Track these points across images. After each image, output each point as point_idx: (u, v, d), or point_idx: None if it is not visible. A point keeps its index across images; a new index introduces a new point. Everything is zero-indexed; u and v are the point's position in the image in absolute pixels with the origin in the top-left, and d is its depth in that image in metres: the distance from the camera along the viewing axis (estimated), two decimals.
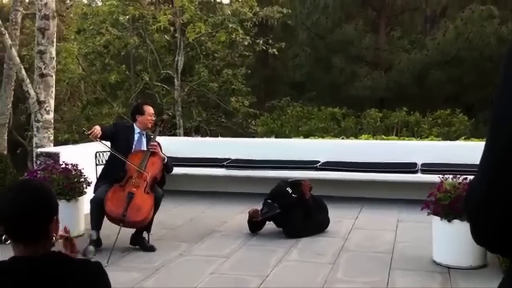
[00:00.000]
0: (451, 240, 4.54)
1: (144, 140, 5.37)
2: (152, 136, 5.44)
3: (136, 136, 5.34)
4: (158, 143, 5.41)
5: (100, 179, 5.26)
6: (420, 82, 16.68)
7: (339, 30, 17.29)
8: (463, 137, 11.65)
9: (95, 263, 1.79)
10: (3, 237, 1.68)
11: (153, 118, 5.40)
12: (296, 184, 5.77)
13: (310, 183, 5.86)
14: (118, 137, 5.24)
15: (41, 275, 1.63)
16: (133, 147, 5.29)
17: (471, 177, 3.81)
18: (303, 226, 5.58)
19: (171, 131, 15.68)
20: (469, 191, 0.93)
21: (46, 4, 8.32)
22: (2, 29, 9.54)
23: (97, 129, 4.95)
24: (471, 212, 0.92)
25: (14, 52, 9.56)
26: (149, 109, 5.42)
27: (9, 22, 12.54)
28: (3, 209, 1.66)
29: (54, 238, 1.72)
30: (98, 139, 4.94)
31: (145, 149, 5.28)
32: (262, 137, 14.14)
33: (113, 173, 5.11)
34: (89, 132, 4.91)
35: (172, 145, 8.19)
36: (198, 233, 5.72)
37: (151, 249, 5.09)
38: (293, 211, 5.58)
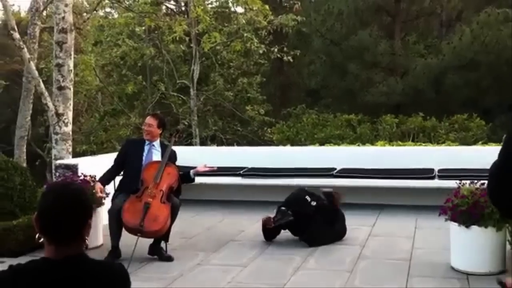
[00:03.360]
0: (469, 246, 4.51)
1: (155, 150, 5.43)
2: (168, 146, 5.50)
3: (146, 148, 5.42)
4: (174, 152, 5.49)
5: (117, 191, 5.34)
6: (437, 87, 16.58)
7: (354, 36, 17.29)
8: (480, 142, 11.55)
9: (118, 265, 1.85)
10: (37, 236, 1.74)
11: (146, 128, 5.44)
12: (326, 194, 5.74)
13: (340, 193, 5.84)
14: (129, 155, 5.41)
15: (64, 277, 1.68)
16: (143, 159, 5.37)
17: None
18: (323, 234, 5.56)
19: (187, 140, 15.80)
20: (490, 169, 1.21)
21: (63, 18, 8.46)
22: (21, 43, 9.70)
23: (98, 187, 5.23)
24: (489, 187, 1.20)
25: (32, 65, 9.72)
26: (147, 119, 5.58)
27: (27, 36, 12.75)
28: (44, 208, 1.73)
29: (86, 240, 1.78)
30: (105, 193, 5.29)
31: (158, 159, 5.34)
32: (278, 145, 14.15)
33: (130, 185, 5.18)
34: (99, 195, 5.20)
35: (188, 154, 8.25)
36: (215, 242, 5.75)
37: (169, 259, 5.13)
38: (312, 219, 5.56)
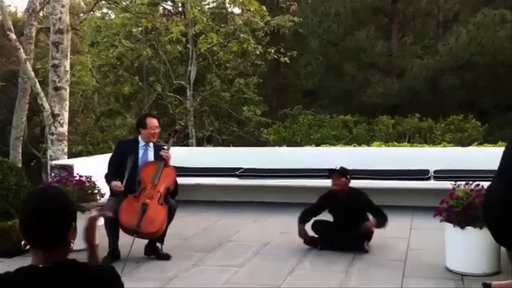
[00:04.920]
0: (464, 247, 4.52)
1: (149, 152, 5.37)
2: (165, 148, 5.47)
3: (141, 151, 5.35)
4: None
5: (112, 194, 5.27)
6: (433, 87, 16.62)
7: (351, 37, 17.32)
8: (476, 143, 11.57)
9: (108, 268, 1.84)
10: (23, 243, 1.73)
11: (156, 131, 5.34)
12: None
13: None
14: (124, 156, 5.26)
15: (55, 284, 1.67)
16: (140, 160, 5.31)
17: (484, 183, 3.79)
18: None
19: (183, 141, 15.80)
20: (487, 195, 0.97)
21: (60, 18, 8.45)
22: (17, 43, 9.68)
23: (116, 185, 5.05)
24: (490, 217, 0.96)
25: (28, 66, 9.70)
26: (152, 122, 5.36)
27: (24, 36, 12.72)
28: (24, 216, 1.72)
29: (71, 244, 1.76)
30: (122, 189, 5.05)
31: (154, 160, 5.32)
32: (274, 145, 14.16)
33: (126, 187, 5.14)
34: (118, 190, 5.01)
35: (185, 155, 8.25)
36: (211, 242, 5.75)
37: (166, 257, 5.13)
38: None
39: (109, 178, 5.22)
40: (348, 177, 5.56)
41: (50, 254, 1.69)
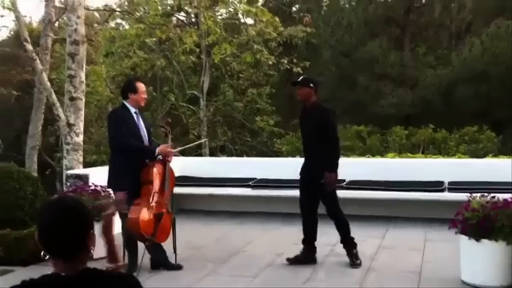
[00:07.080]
0: (479, 260, 4.48)
1: (140, 120, 5.18)
2: (166, 141, 5.34)
3: (135, 117, 5.13)
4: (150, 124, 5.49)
5: (119, 179, 5.05)
6: (447, 98, 16.55)
7: (363, 48, 17.34)
8: (491, 154, 11.48)
9: (130, 277, 1.85)
10: (42, 253, 1.75)
11: (146, 95, 5.20)
12: None
13: None
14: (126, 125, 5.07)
15: None
16: (140, 128, 5.13)
17: (500, 195, 3.80)
18: None
19: (196, 151, 15.85)
20: None
21: (76, 30, 8.55)
22: (33, 54, 9.81)
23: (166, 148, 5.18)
24: None
25: (44, 76, 9.82)
26: (141, 86, 5.16)
27: (40, 47, 12.88)
28: (43, 227, 1.74)
29: (91, 251, 1.78)
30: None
31: (143, 128, 5.17)
32: (287, 156, 14.15)
33: (136, 163, 5.01)
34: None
35: (198, 165, 8.29)
36: (224, 253, 5.75)
37: (178, 267, 5.15)
38: None
39: (135, 144, 5.04)
40: (312, 85, 5.15)
41: (71, 262, 1.71)
